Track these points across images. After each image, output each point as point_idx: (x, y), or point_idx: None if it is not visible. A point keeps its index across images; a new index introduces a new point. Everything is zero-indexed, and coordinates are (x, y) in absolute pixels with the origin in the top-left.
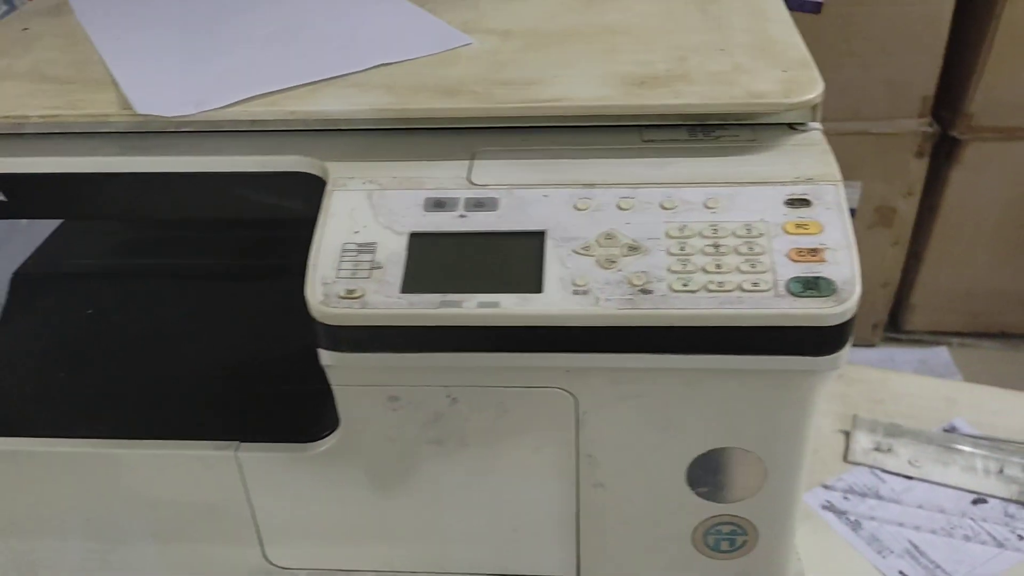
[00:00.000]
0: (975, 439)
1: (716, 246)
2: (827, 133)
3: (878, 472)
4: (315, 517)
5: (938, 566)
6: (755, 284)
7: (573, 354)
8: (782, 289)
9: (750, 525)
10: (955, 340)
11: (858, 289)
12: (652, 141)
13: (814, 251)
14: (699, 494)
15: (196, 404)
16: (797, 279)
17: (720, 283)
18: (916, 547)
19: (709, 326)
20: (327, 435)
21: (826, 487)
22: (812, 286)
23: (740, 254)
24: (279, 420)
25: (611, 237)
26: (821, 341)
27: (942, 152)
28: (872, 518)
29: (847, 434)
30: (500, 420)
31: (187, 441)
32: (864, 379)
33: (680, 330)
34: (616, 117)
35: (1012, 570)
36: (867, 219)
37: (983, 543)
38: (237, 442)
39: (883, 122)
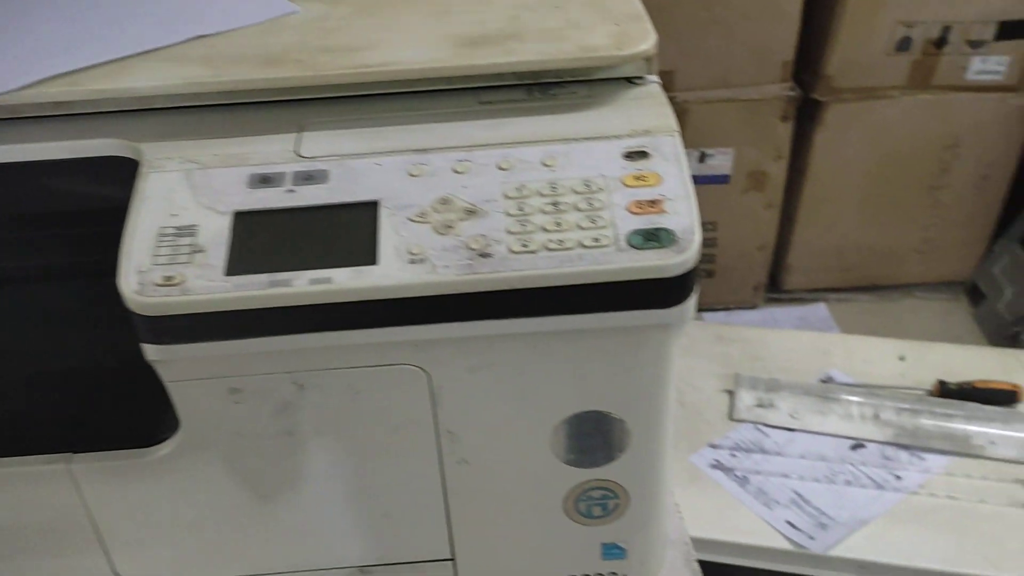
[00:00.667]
0: (850, 387)
1: (555, 204)
2: (697, 102)
3: (762, 427)
4: (166, 525)
5: (822, 512)
6: (596, 240)
7: (415, 326)
8: (623, 243)
9: (620, 488)
10: (831, 296)
11: (698, 238)
12: (489, 103)
13: (653, 203)
14: (565, 462)
15: (25, 416)
16: (638, 232)
17: (560, 241)
18: (801, 496)
19: (551, 286)
20: (167, 438)
21: (713, 446)
22: (653, 238)
23: (580, 210)
24: (114, 426)
25: (447, 202)
26: (665, 292)
27: (806, 115)
28: (758, 472)
29: (731, 393)
30: (352, 403)
31: (17, 457)
32: (743, 338)
33: (522, 292)
34: (448, 80)
35: (892, 510)
36: (741, 184)
37: (863, 487)
38: (70, 454)
39: (749, 88)
